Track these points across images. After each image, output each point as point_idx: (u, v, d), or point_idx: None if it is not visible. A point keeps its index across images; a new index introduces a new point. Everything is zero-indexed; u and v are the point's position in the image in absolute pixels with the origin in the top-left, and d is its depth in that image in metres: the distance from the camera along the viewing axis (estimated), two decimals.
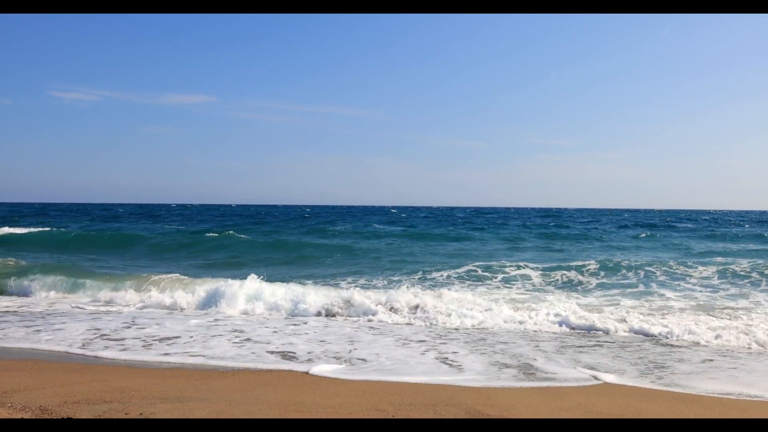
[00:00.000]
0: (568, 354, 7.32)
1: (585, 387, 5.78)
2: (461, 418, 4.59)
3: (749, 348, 7.71)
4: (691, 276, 14.92)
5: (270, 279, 12.43)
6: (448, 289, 12.17)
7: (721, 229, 40.27)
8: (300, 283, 12.93)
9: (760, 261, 17.51)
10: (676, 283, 14.17)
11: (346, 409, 4.74)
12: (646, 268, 15.86)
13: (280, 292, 11.11)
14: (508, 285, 14.18)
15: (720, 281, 14.37)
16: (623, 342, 8.17)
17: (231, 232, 28.38)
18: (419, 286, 12.10)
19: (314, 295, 10.87)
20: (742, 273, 15.10)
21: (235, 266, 17.92)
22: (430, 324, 9.42)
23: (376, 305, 10.32)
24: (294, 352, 7.27)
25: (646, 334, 8.47)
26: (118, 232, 29.73)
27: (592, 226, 41.93)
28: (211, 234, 27.55)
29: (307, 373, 6.22)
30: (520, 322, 9.31)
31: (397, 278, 14.97)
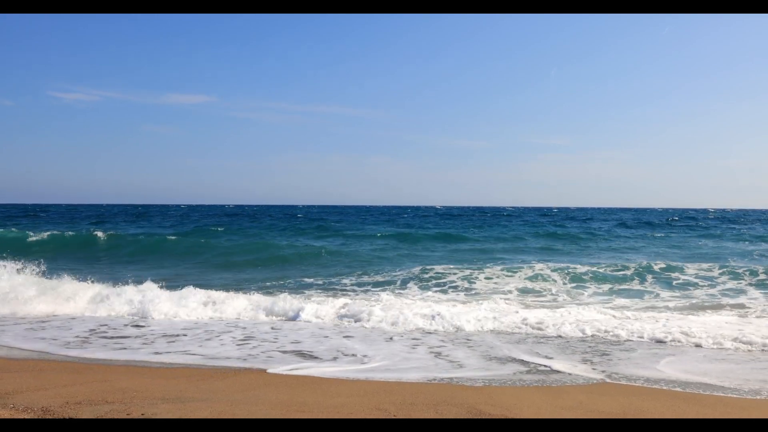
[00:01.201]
0: (527, 346, 7.74)
1: (586, 386, 5.79)
2: (463, 418, 4.60)
3: (698, 344, 7.79)
4: (689, 275, 14.93)
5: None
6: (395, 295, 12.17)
7: (722, 227, 40.34)
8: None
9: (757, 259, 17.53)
10: (674, 281, 14.18)
11: (348, 409, 4.74)
12: (644, 267, 15.86)
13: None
14: (499, 283, 14.08)
15: (719, 278, 14.37)
16: (581, 339, 8.25)
17: (173, 237, 26.72)
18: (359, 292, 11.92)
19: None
20: (740, 272, 15.08)
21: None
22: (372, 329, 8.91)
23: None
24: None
25: (598, 331, 8.49)
26: (65, 235, 26.93)
27: (595, 225, 41.80)
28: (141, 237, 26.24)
29: (265, 371, 6.23)
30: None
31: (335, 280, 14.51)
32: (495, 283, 14.17)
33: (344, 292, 12.71)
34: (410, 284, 14.00)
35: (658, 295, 12.56)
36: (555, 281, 14.23)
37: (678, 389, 5.68)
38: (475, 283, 14.10)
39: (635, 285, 13.75)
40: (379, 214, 67.19)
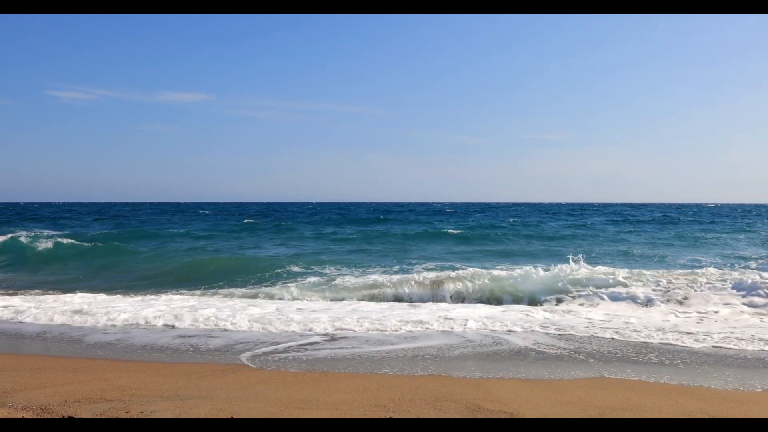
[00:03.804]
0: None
1: (585, 380, 5.80)
2: (463, 418, 4.61)
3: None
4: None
5: None
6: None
7: (719, 220, 40.39)
8: None
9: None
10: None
11: (347, 405, 4.75)
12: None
13: None
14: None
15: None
16: None
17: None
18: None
19: None
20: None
21: None
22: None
23: None
24: None
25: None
26: None
27: (560, 223, 40.56)
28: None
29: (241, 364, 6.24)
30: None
31: None
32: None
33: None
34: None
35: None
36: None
37: (674, 383, 5.69)
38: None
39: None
40: (372, 211, 67.03)
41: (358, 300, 11.36)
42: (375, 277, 13.17)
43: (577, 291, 11.29)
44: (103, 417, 4.40)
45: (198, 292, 12.43)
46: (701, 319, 9.16)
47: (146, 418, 4.36)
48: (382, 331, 8.33)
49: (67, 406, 4.65)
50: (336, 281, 13.03)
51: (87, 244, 21.45)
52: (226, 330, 8.44)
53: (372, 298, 11.55)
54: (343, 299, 11.43)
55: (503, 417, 4.52)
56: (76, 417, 4.37)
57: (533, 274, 12.38)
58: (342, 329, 8.42)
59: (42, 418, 4.36)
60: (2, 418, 4.27)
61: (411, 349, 7.20)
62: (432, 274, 12.83)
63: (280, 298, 11.61)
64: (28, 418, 4.34)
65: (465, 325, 8.62)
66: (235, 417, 4.38)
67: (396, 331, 8.34)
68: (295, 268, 15.53)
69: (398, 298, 11.53)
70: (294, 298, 11.62)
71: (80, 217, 52.24)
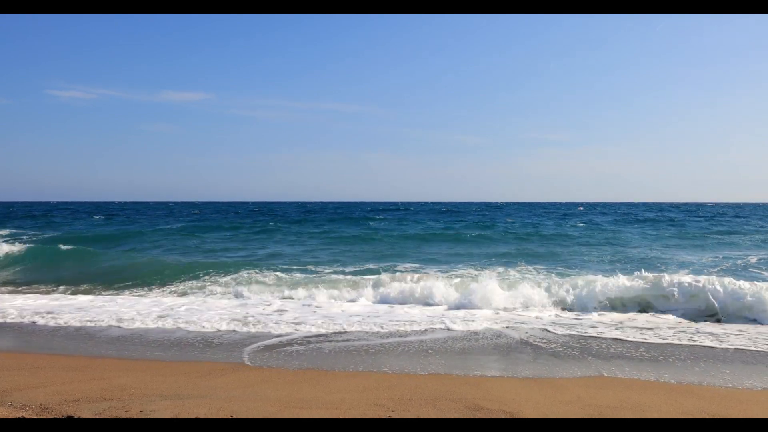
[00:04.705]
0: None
1: (584, 379, 5.81)
2: (464, 417, 4.61)
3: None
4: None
5: None
6: None
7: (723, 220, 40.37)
8: None
9: None
10: None
11: (347, 405, 4.75)
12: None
13: None
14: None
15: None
16: None
17: None
18: None
19: None
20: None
21: None
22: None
23: None
24: None
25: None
26: None
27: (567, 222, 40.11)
28: None
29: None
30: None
31: None
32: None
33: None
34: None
35: None
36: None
37: (673, 382, 5.70)
38: None
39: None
40: (370, 211, 66.89)
41: (346, 299, 11.42)
42: (365, 277, 13.22)
43: (564, 293, 11.28)
44: (102, 416, 4.40)
45: (177, 291, 12.43)
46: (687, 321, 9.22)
47: (145, 417, 4.36)
48: (366, 329, 8.41)
49: (67, 405, 4.65)
50: (324, 279, 13.07)
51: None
52: (213, 330, 8.46)
53: (363, 297, 11.60)
54: (331, 299, 11.45)
55: (503, 416, 4.53)
56: (76, 416, 4.37)
57: (527, 274, 12.36)
58: (331, 328, 8.47)
59: (41, 417, 4.36)
60: (1, 417, 4.27)
61: (402, 345, 7.21)
62: (420, 275, 12.86)
63: (248, 296, 11.71)
64: (27, 417, 4.34)
65: (460, 323, 8.64)
66: (234, 416, 4.39)
67: (384, 329, 8.41)
68: (282, 266, 15.51)
69: (385, 298, 11.51)
70: (278, 297, 11.64)
71: (68, 216, 51.86)
